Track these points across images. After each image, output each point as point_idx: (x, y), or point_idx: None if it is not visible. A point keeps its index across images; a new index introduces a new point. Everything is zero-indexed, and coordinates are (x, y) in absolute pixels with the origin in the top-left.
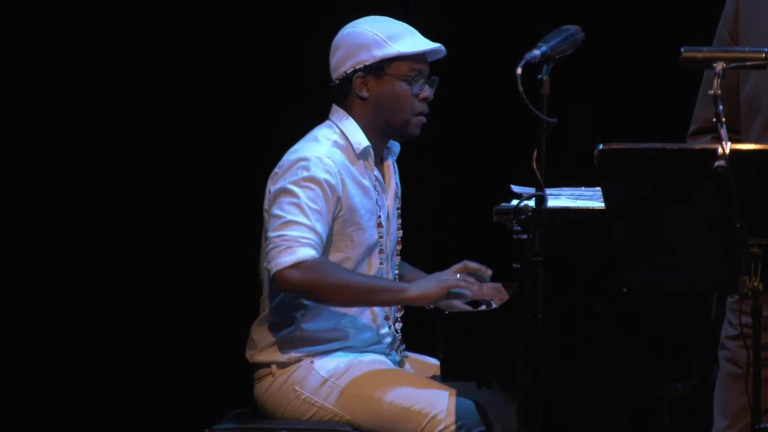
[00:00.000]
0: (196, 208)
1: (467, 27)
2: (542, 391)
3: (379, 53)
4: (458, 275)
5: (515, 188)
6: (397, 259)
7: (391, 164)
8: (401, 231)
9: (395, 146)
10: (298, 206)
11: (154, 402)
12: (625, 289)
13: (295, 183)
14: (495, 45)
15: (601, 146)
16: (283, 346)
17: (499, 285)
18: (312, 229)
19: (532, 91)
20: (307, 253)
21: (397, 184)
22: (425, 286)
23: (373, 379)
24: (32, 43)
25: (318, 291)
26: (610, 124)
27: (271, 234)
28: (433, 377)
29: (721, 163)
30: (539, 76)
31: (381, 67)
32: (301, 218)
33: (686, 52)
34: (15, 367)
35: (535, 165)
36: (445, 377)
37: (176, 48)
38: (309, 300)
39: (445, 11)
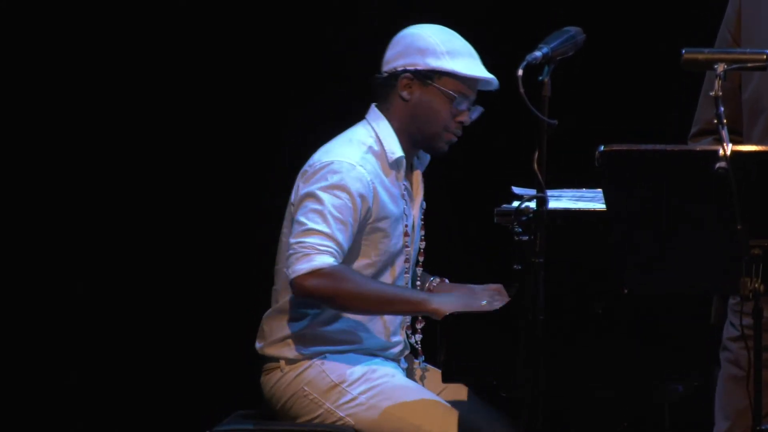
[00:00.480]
0: (198, 206)
1: (468, 28)
2: (542, 392)
3: (433, 63)
4: (485, 301)
5: (516, 190)
6: (419, 270)
7: (420, 174)
8: (424, 242)
9: (426, 157)
10: (321, 214)
11: (156, 402)
12: (626, 291)
13: (323, 189)
14: (496, 46)
15: (602, 148)
16: (294, 342)
17: (500, 286)
18: (331, 237)
19: (533, 93)
20: (324, 260)
21: (422, 194)
22: (448, 302)
23: (384, 391)
24: (38, 43)
25: (335, 299)
26: (611, 125)
27: (291, 240)
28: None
29: (722, 164)
30: (540, 78)
31: (429, 77)
32: (321, 226)
33: (687, 54)
34: (17, 365)
35: (536, 166)
36: (446, 378)
37: (181, 48)
38: (327, 306)
39: (445, 12)
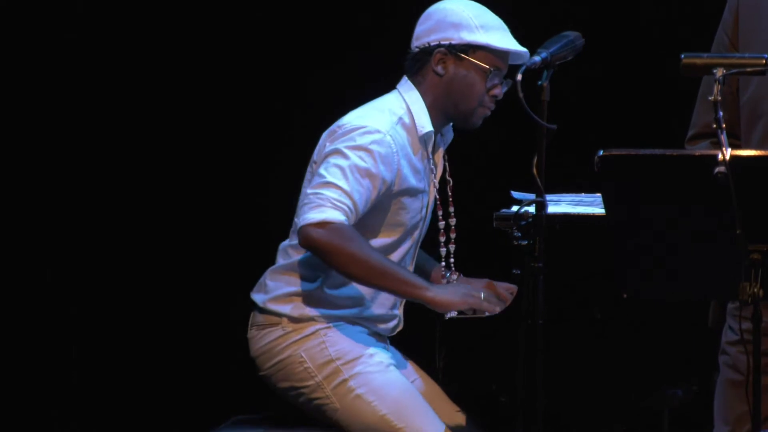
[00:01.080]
0: (195, 209)
1: None
2: (541, 397)
3: (468, 37)
4: (483, 295)
5: (515, 194)
6: (451, 247)
7: (442, 152)
8: (455, 219)
9: (449, 135)
10: (343, 170)
11: (153, 407)
12: (625, 296)
13: (350, 148)
14: None
15: (601, 152)
16: (300, 301)
17: (514, 287)
18: (349, 195)
19: (533, 97)
20: (336, 215)
21: (446, 170)
22: (448, 294)
23: (373, 381)
24: (36, 43)
25: (336, 255)
26: (610, 129)
27: (308, 190)
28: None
29: (721, 169)
30: (539, 82)
31: (464, 51)
32: (341, 182)
33: (686, 58)
34: (18, 366)
35: (535, 171)
36: (445, 383)
37: (181, 47)
38: (325, 262)
39: None
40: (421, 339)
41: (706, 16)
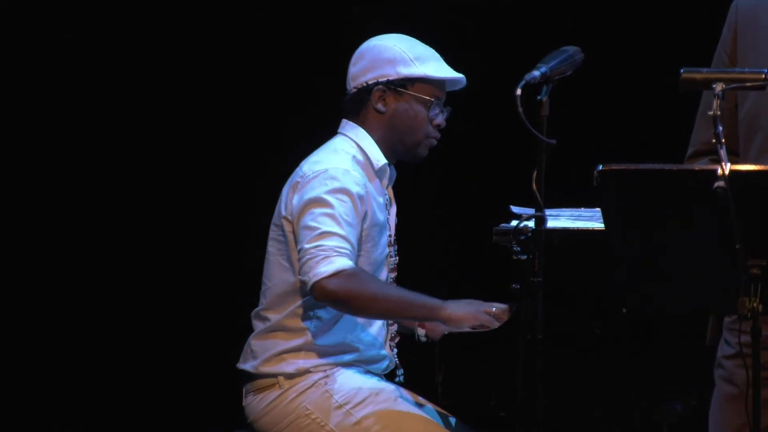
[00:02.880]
0: (196, 211)
1: (466, 48)
2: (540, 412)
3: (405, 71)
4: (494, 308)
5: (515, 209)
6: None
7: (391, 189)
8: (397, 258)
9: (394, 172)
10: (332, 217)
11: (153, 411)
12: (624, 310)
13: (328, 193)
14: (495, 66)
15: (600, 167)
16: (292, 357)
17: (506, 307)
18: (347, 239)
19: (532, 112)
20: (344, 262)
21: (395, 208)
22: (463, 310)
23: (387, 416)
24: (35, 43)
25: (356, 300)
26: (610, 144)
27: (306, 245)
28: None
29: (721, 183)
30: (539, 97)
31: (403, 85)
32: (336, 228)
33: (686, 73)
34: (11, 370)
35: (534, 186)
36: (445, 398)
37: (180, 51)
38: (344, 310)
39: (444, 31)
40: (420, 354)
41: (706, 31)
